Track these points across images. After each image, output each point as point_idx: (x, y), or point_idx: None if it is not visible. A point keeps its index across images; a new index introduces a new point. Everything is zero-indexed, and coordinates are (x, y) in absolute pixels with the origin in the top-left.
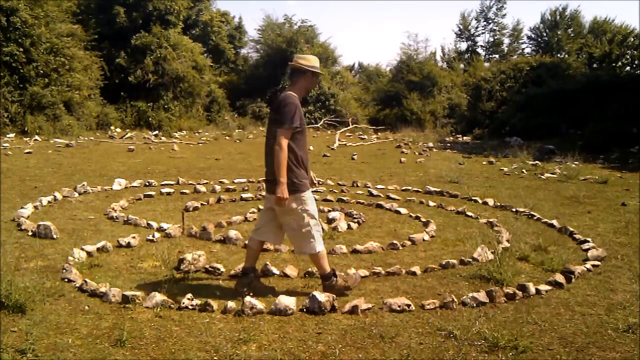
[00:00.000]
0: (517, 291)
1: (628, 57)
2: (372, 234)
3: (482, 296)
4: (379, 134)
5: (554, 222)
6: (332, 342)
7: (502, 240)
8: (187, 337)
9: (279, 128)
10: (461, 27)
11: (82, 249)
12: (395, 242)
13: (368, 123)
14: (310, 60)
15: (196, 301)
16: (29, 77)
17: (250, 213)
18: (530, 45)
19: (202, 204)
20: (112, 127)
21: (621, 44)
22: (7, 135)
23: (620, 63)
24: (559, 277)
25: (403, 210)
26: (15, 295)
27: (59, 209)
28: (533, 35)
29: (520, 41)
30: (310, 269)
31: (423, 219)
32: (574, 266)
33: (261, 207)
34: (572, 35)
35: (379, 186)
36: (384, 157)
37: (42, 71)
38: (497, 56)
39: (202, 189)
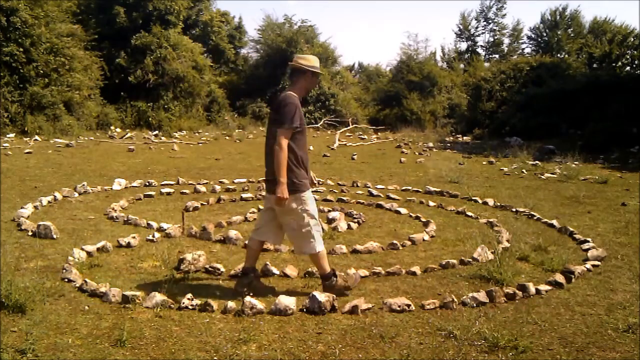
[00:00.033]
0: (517, 291)
1: (628, 57)
2: (372, 234)
3: (482, 296)
4: (379, 134)
5: (554, 222)
6: (332, 342)
7: (502, 240)
8: (187, 337)
9: (278, 128)
10: (461, 27)
11: (82, 249)
12: (395, 242)
13: (368, 123)
14: (311, 60)
15: (196, 301)
16: (29, 77)
17: (250, 213)
18: (530, 45)
19: (202, 204)
20: (112, 127)
21: (621, 44)
22: (7, 135)
23: (620, 63)
24: (559, 277)
25: (403, 210)
26: (15, 295)
27: (59, 209)
28: (533, 35)
29: (520, 41)
30: (310, 269)
31: (423, 219)
32: (574, 266)
33: (261, 207)
34: (572, 35)
35: (379, 186)
36: (384, 157)
37: (42, 71)
38: (497, 56)
39: (202, 189)
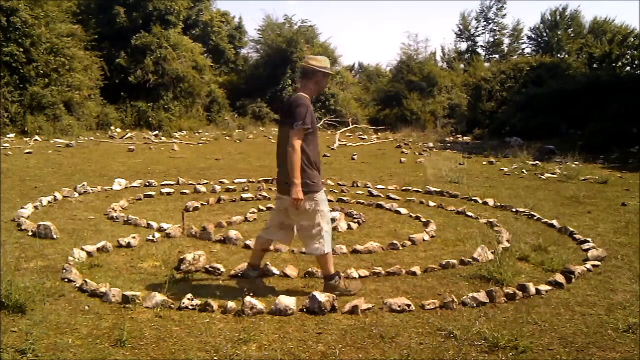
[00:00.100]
0: (517, 291)
1: (628, 57)
2: (372, 234)
3: (482, 296)
4: (379, 134)
5: (554, 222)
6: (332, 342)
7: (502, 240)
8: (187, 337)
9: (291, 129)
10: (461, 27)
11: (82, 249)
12: (395, 242)
13: (368, 123)
14: (321, 61)
15: (196, 301)
16: (29, 77)
17: (250, 213)
18: (530, 45)
19: (202, 204)
20: (112, 127)
21: (621, 44)
22: (7, 135)
23: (620, 63)
24: (559, 277)
25: (403, 210)
26: (15, 295)
27: (59, 209)
28: (533, 35)
29: (520, 41)
30: (310, 269)
31: (423, 219)
32: (574, 266)
33: (261, 207)
34: (572, 35)
35: (379, 186)
36: (384, 157)
37: (42, 71)
38: (497, 56)
39: (202, 189)
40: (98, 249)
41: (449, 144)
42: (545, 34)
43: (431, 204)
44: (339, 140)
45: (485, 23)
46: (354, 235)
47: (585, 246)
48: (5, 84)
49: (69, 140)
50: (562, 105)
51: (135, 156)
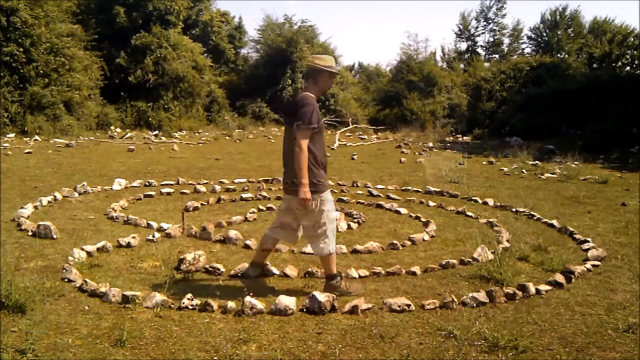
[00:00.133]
0: (517, 291)
1: (628, 57)
2: (372, 234)
3: (482, 296)
4: (379, 134)
5: (554, 222)
6: (332, 342)
7: (502, 240)
8: (187, 337)
9: (297, 129)
10: (461, 27)
11: (82, 249)
12: (395, 242)
13: (368, 123)
14: (327, 61)
15: (196, 301)
16: (29, 77)
17: (250, 213)
18: (530, 45)
19: (202, 204)
20: (112, 127)
21: (621, 44)
22: (7, 135)
23: (620, 63)
24: (559, 277)
25: (403, 210)
26: (15, 295)
27: (59, 209)
28: (533, 35)
29: (520, 41)
30: (310, 269)
31: (423, 219)
32: (574, 266)
33: (261, 207)
34: (572, 35)
35: (379, 186)
36: (384, 157)
37: (42, 71)
38: (497, 56)
39: (202, 189)
40: (98, 249)
41: (449, 144)
42: (545, 34)
43: (431, 204)
44: (339, 140)
45: (485, 23)
46: (354, 235)
47: (585, 246)
48: (5, 84)
49: (69, 140)
50: (562, 105)
51: (135, 156)
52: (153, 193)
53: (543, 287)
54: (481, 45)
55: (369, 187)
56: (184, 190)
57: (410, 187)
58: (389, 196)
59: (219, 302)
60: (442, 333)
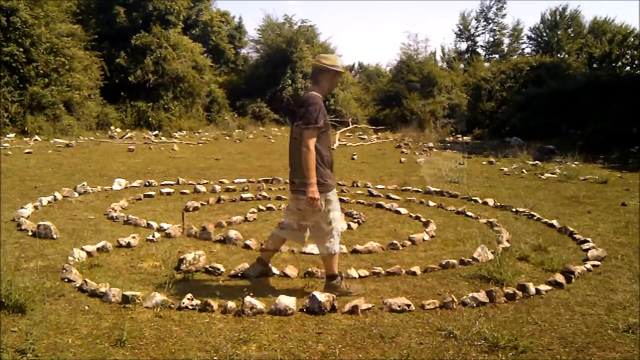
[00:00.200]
0: (517, 291)
1: (628, 57)
2: (372, 234)
3: (482, 296)
4: (379, 134)
5: (554, 222)
6: (332, 342)
7: (502, 240)
8: (187, 337)
9: (304, 129)
10: (461, 27)
11: (82, 249)
12: (395, 242)
13: (368, 123)
14: (333, 60)
15: (196, 301)
16: (29, 77)
17: (250, 213)
18: (530, 45)
19: (202, 204)
20: (112, 127)
21: (621, 44)
22: (7, 135)
23: (620, 63)
24: (559, 277)
25: (403, 210)
26: (15, 295)
27: (59, 209)
28: (533, 35)
29: (520, 41)
30: (310, 269)
31: (423, 219)
32: (574, 266)
33: (261, 207)
34: (572, 35)
35: (379, 186)
36: (384, 157)
37: (42, 71)
38: (497, 56)
39: (202, 189)
40: (98, 249)
41: (449, 144)
42: (545, 34)
43: (431, 204)
44: (339, 140)
45: (485, 23)
46: (354, 235)
47: (585, 246)
48: (5, 84)
49: (69, 140)
50: (562, 105)
51: (135, 156)
52: (153, 193)
53: (543, 287)
54: (481, 45)
55: (369, 187)
56: (184, 190)
57: (410, 187)
58: (389, 196)
59: (219, 302)
60: (442, 333)
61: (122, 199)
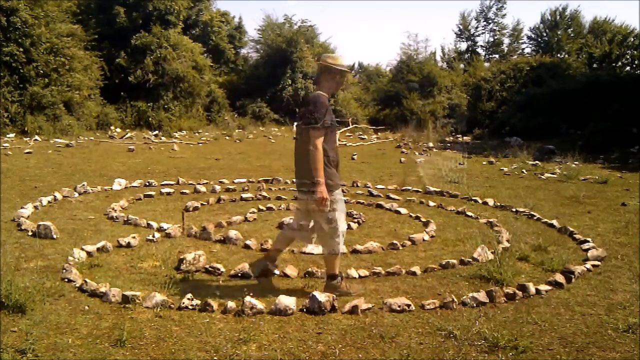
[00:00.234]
0: (517, 291)
1: (628, 57)
2: (372, 234)
3: (482, 296)
4: (379, 134)
5: (554, 222)
6: (332, 342)
7: (502, 240)
8: (187, 337)
9: (311, 129)
10: (461, 27)
11: (82, 249)
12: (395, 242)
13: (368, 123)
14: (339, 60)
15: (196, 301)
16: (29, 77)
17: (250, 213)
18: (530, 45)
19: (202, 204)
20: (112, 127)
21: (621, 44)
22: (7, 135)
23: (620, 63)
24: (559, 277)
25: (403, 210)
26: (15, 295)
27: (59, 209)
28: (533, 35)
29: (520, 41)
30: (310, 269)
31: (423, 219)
32: (574, 266)
33: (261, 207)
34: (572, 35)
35: (379, 186)
36: (384, 157)
37: (42, 71)
38: (497, 56)
39: (202, 189)
40: (98, 249)
41: (449, 144)
42: (545, 34)
43: (431, 204)
44: (338, 140)
45: (485, 23)
46: (354, 235)
47: (585, 246)
48: (5, 84)
49: (69, 140)
50: (562, 105)
51: (135, 156)
52: (153, 193)
53: (543, 287)
54: (481, 45)
55: (369, 187)
56: (184, 190)
57: (410, 187)
58: (389, 196)
59: (219, 302)
60: (442, 333)
61: (122, 199)
